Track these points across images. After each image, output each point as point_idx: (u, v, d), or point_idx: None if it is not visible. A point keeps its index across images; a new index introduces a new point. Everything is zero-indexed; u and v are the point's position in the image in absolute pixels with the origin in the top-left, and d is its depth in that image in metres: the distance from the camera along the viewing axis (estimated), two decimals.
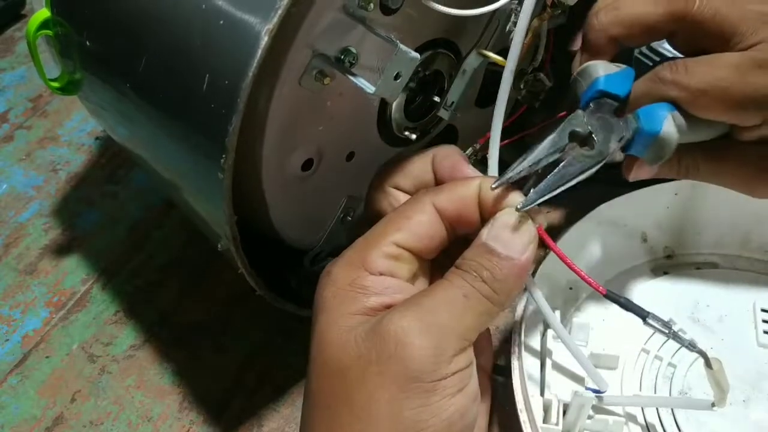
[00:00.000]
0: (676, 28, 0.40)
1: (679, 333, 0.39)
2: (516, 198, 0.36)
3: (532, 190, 0.36)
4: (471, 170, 0.39)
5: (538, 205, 0.36)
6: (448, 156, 0.40)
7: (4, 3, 0.78)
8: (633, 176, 0.43)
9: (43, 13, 0.44)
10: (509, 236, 0.35)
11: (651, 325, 0.39)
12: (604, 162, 0.38)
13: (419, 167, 0.41)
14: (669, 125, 0.39)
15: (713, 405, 0.41)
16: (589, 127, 0.38)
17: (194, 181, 0.42)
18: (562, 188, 0.37)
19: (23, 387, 0.52)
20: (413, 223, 0.36)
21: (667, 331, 0.39)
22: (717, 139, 0.42)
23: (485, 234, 0.35)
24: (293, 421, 0.50)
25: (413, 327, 0.33)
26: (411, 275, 0.37)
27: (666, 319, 0.50)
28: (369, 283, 0.35)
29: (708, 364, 0.40)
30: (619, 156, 0.40)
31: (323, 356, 0.34)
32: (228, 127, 0.35)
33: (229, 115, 0.35)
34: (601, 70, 0.40)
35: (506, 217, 0.36)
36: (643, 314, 0.39)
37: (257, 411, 0.51)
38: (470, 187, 0.37)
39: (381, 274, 0.35)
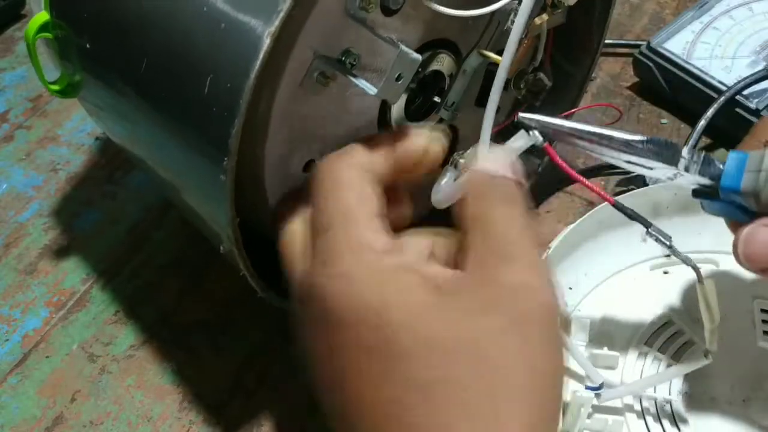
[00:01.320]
0: None
1: (676, 248, 0.41)
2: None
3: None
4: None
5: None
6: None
7: (4, 3, 0.77)
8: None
9: (43, 15, 0.44)
10: (494, 161, 0.36)
11: (652, 235, 0.40)
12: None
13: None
14: None
15: (706, 354, 0.42)
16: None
17: (196, 183, 0.42)
18: (577, 140, 0.38)
19: (23, 387, 0.52)
20: (359, 191, 0.36)
21: (667, 243, 0.40)
22: None
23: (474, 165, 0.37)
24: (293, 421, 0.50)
25: (532, 277, 0.32)
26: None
27: (665, 318, 0.51)
28: (393, 262, 0.33)
29: (700, 278, 0.41)
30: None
31: (426, 350, 0.30)
32: (230, 130, 0.35)
33: (231, 117, 0.34)
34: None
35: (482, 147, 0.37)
36: (647, 224, 0.40)
37: (257, 411, 0.51)
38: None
39: (391, 250, 0.34)
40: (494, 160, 0.36)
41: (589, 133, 0.38)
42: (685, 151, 0.39)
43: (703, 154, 0.39)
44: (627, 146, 0.38)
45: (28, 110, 0.71)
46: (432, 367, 0.30)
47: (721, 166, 0.39)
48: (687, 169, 0.39)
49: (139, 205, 0.62)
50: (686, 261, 0.41)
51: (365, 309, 0.32)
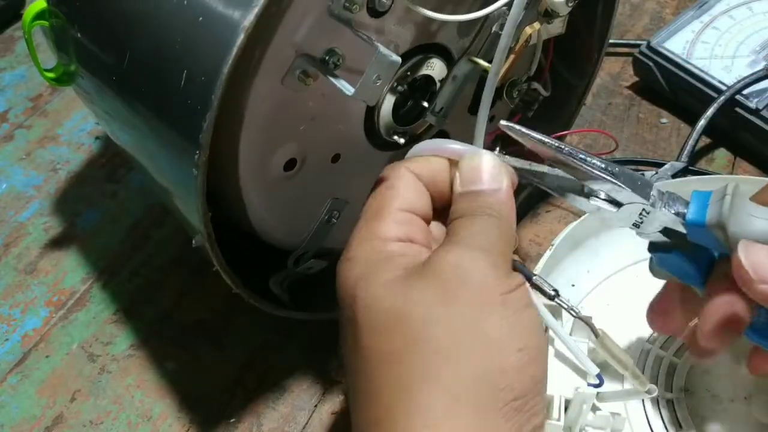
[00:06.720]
0: None
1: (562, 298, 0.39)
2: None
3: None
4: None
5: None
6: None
7: (3, 3, 0.77)
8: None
9: (39, 3, 0.43)
10: (480, 174, 0.36)
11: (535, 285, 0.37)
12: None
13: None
14: None
15: (647, 392, 0.42)
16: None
17: (172, 176, 0.42)
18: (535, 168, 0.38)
19: (23, 386, 0.52)
20: (402, 188, 0.37)
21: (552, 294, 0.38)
22: None
23: (458, 184, 0.37)
24: (293, 421, 0.50)
25: (464, 255, 0.33)
26: (427, 242, 0.37)
27: None
28: (394, 248, 0.35)
29: (594, 332, 0.40)
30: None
31: (374, 323, 0.33)
32: (202, 124, 0.35)
33: (203, 111, 0.34)
34: None
35: (468, 160, 0.37)
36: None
37: (257, 411, 0.51)
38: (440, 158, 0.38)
39: (400, 240, 0.35)
40: (481, 176, 0.37)
41: (566, 151, 0.37)
42: (656, 187, 0.38)
43: (668, 193, 0.38)
44: (603, 170, 0.37)
45: (28, 110, 0.71)
46: (377, 339, 0.33)
47: (686, 208, 0.38)
48: (654, 205, 0.38)
49: (140, 204, 0.62)
50: (571, 311, 0.39)
51: (350, 286, 0.35)
